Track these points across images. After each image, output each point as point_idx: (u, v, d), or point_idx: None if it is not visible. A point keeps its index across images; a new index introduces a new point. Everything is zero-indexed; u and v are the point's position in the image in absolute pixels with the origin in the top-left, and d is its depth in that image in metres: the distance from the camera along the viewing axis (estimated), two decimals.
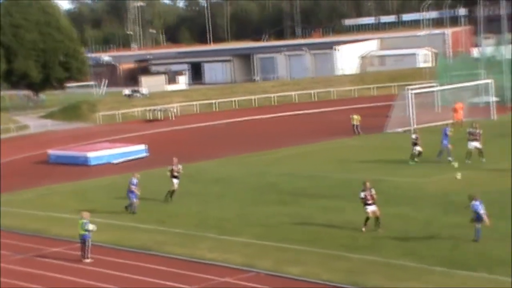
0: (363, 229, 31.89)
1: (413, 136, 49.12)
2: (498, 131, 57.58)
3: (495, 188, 37.40)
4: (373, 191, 32.12)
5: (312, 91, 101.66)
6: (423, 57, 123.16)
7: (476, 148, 46.68)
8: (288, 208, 37.44)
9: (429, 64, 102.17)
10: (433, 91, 74.84)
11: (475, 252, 27.79)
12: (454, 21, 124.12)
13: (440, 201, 36.52)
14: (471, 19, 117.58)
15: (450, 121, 62.07)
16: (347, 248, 29.58)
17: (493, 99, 70.79)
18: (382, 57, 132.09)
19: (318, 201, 38.56)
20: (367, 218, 31.99)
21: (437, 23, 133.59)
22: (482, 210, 28.86)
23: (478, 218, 28.93)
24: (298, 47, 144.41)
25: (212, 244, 31.76)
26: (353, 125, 66.02)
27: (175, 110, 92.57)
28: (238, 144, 64.57)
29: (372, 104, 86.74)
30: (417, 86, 72.89)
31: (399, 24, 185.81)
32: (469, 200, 29.42)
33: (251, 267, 28.20)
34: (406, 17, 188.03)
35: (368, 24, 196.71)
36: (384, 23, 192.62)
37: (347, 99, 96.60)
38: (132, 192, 38.79)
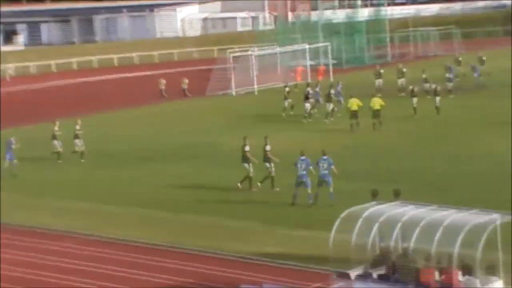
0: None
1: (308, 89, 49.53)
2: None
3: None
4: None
5: (133, 54, 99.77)
6: (263, 20, 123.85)
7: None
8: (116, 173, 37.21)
9: (271, 27, 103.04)
10: (274, 53, 75.37)
11: (297, 210, 28.35)
12: None
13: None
14: None
15: (293, 83, 62.94)
16: (169, 208, 29.64)
17: (330, 61, 72.23)
18: (204, 20, 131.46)
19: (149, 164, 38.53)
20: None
21: None
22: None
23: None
24: (141, 8, 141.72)
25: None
26: (160, 89, 65.62)
27: (10, 71, 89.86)
28: (67, 107, 62.52)
29: (195, 68, 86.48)
30: (257, 48, 73.23)
31: None
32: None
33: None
34: None
35: None
36: None
37: (169, 62, 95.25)
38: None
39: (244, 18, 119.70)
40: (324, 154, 29.37)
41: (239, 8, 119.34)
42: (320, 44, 76.05)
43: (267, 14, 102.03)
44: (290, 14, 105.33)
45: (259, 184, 32.08)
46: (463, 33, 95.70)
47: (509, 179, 30.38)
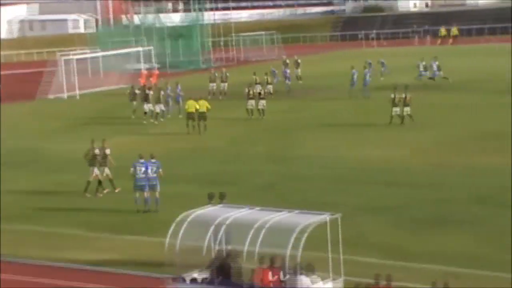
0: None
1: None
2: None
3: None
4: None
5: None
6: (75, 23, 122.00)
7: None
8: None
9: (92, 30, 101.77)
10: (97, 57, 74.61)
11: (136, 216, 28.13)
12: None
13: None
14: None
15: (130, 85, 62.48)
16: (5, 219, 28.68)
17: (154, 65, 72.14)
18: (33, 22, 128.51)
19: None
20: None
21: None
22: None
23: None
24: None
25: None
26: None
27: None
28: None
29: (25, 71, 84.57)
30: (76, 52, 72.28)
31: None
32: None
33: None
34: None
35: None
36: None
37: (7, 64, 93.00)
38: None
39: (75, 20, 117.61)
40: (153, 158, 29.11)
41: (70, 11, 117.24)
42: (145, 48, 75.95)
43: (99, 17, 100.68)
44: (111, 17, 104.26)
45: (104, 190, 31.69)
46: (292, 38, 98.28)
47: (333, 181, 31.49)
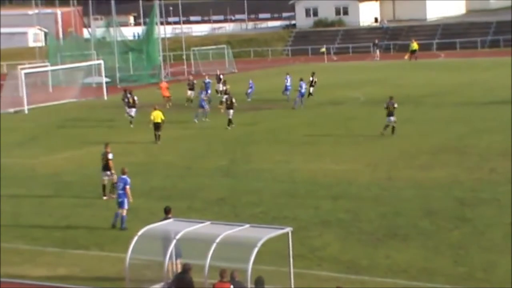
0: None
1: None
2: (110, 110, 58.86)
3: None
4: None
5: None
6: (34, 36, 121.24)
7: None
8: None
9: (41, 44, 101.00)
10: (45, 71, 74.23)
11: (87, 231, 27.91)
12: (65, 1, 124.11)
13: (51, 181, 36.24)
14: (81, 0, 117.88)
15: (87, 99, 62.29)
16: None
17: (104, 79, 71.82)
18: None
19: None
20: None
21: (48, 2, 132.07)
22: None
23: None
24: None
25: None
26: None
27: None
28: None
29: None
30: (28, 65, 71.90)
31: (8, 1, 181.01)
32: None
33: None
34: None
35: None
36: None
37: None
38: None
39: (35, 33, 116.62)
40: (124, 173, 28.41)
41: (30, 24, 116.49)
42: (94, 62, 75.72)
43: (60, 29, 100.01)
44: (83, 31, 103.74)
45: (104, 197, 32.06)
46: (243, 52, 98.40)
47: (284, 195, 31.61)
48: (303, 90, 55.54)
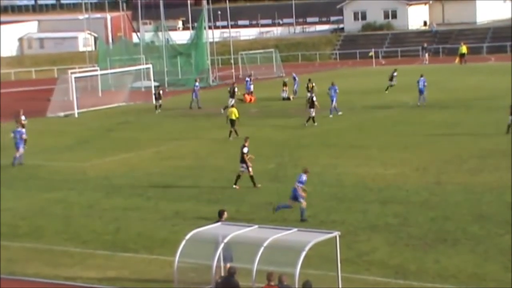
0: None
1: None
2: (158, 114, 59.08)
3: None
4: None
5: None
6: (84, 41, 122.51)
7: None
8: None
9: (90, 48, 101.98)
10: (95, 75, 74.91)
11: (136, 234, 28.10)
12: (115, 6, 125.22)
13: (102, 184, 36.56)
14: (130, 5, 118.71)
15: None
16: (6, 236, 28.60)
17: (153, 83, 72.26)
18: (41, 39, 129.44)
19: None
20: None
21: (98, 7, 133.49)
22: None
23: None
24: None
25: None
26: None
27: None
28: None
29: (32, 88, 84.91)
30: (78, 70, 72.68)
31: (59, 7, 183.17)
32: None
33: None
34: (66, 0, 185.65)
35: (26, 6, 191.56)
36: (42, 6, 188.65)
37: (5, 82, 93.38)
38: None
39: (85, 38, 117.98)
40: (305, 172, 29.33)
41: (80, 28, 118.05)
42: (143, 66, 76.25)
43: (110, 34, 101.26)
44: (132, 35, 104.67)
45: (234, 186, 33.73)
46: (292, 56, 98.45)
47: (332, 199, 31.50)
48: (420, 86, 56.31)
